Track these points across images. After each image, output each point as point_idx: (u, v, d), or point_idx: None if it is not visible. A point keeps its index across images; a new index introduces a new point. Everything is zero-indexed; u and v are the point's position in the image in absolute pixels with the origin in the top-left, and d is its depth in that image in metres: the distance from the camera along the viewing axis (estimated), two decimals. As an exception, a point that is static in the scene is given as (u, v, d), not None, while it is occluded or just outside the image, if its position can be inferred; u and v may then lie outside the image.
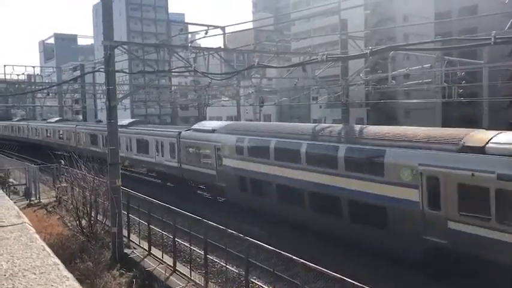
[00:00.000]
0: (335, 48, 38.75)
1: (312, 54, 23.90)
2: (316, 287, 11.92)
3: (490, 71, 30.49)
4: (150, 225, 16.73)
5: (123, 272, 14.87)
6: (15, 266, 1.97)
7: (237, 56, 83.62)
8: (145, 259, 15.77)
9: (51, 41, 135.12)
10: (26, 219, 2.68)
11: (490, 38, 8.46)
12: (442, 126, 45.22)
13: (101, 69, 20.90)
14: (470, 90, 31.31)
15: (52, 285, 1.72)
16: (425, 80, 29.21)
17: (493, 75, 31.47)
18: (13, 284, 1.78)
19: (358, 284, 9.32)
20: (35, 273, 1.85)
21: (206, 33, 26.47)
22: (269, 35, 71.41)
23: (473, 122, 42.51)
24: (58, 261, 2.01)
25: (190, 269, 14.21)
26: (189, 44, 23.99)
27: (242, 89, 37.78)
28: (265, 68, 28.54)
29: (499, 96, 31.01)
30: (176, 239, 15.28)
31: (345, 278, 9.57)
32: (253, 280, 12.74)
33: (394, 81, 27.91)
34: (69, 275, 1.84)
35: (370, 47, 18.93)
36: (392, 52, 22.59)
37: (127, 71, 31.22)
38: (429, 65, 27.95)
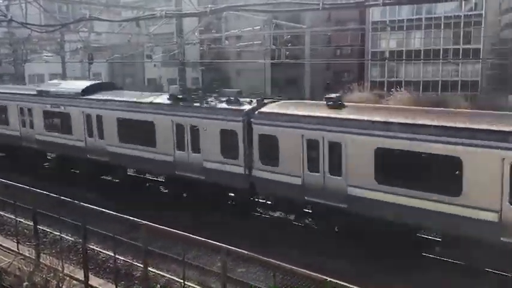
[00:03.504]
0: (168, 4, 37.83)
1: (145, 9, 22.90)
2: (157, 247, 11.95)
3: (313, 35, 33.38)
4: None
5: None
6: None
7: (60, 6, 75.70)
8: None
9: None
10: None
11: (319, 4, 9.13)
12: (271, 86, 48.36)
13: None
14: (296, 52, 33.94)
15: None
16: (255, 42, 30.67)
17: (314, 40, 34.55)
18: None
19: (200, 238, 9.54)
20: None
21: (21, -23, 23.19)
22: (96, -14, 66.14)
23: (297, 82, 46.55)
24: None
25: (18, 242, 12.97)
26: (1, -11, 20.80)
27: (68, 44, 34.83)
28: (93, 22, 26.44)
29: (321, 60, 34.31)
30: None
31: (188, 234, 9.76)
32: (91, 246, 12.21)
33: (227, 42, 28.67)
34: None
35: (206, 6, 18.89)
36: (225, 12, 22.99)
37: None
38: (259, 27, 29.32)
